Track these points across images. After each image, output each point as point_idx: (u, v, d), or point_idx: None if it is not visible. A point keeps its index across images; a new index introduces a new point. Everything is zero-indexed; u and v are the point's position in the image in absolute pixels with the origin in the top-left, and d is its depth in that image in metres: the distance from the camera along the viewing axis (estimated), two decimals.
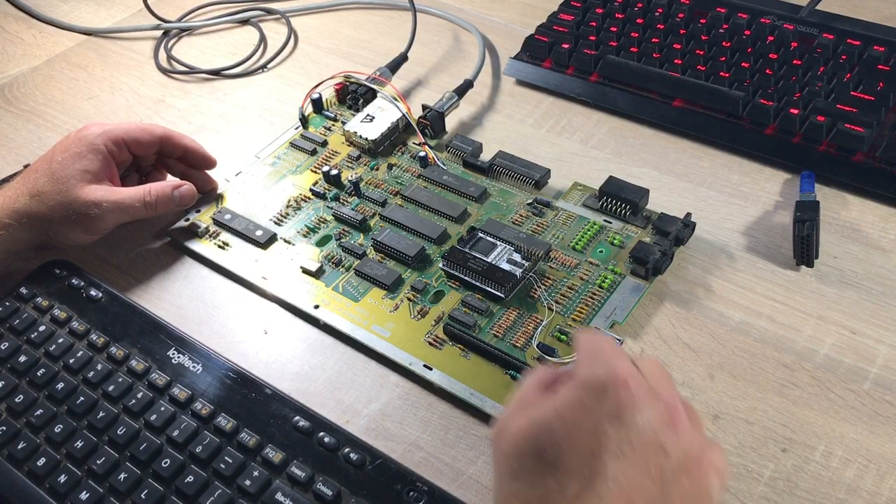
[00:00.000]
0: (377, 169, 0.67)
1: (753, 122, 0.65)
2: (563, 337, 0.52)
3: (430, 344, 0.53)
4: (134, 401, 0.51)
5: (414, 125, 0.68)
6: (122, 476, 0.47)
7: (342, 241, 0.61)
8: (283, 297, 0.58)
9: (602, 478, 0.33)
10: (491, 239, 0.59)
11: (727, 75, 0.68)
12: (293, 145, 0.70)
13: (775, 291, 0.55)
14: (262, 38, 0.84)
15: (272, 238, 0.61)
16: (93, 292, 0.58)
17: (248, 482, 0.46)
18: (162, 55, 0.84)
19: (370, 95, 0.71)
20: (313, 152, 0.69)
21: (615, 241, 0.58)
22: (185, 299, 0.59)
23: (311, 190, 0.65)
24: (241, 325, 0.57)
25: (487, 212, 0.62)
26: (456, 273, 0.57)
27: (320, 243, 0.61)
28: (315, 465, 0.47)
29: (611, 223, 0.59)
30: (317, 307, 0.57)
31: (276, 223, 0.63)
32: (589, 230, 0.59)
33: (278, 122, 0.74)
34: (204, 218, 0.64)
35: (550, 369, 0.41)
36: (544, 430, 0.35)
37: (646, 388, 0.36)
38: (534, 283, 0.56)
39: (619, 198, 0.59)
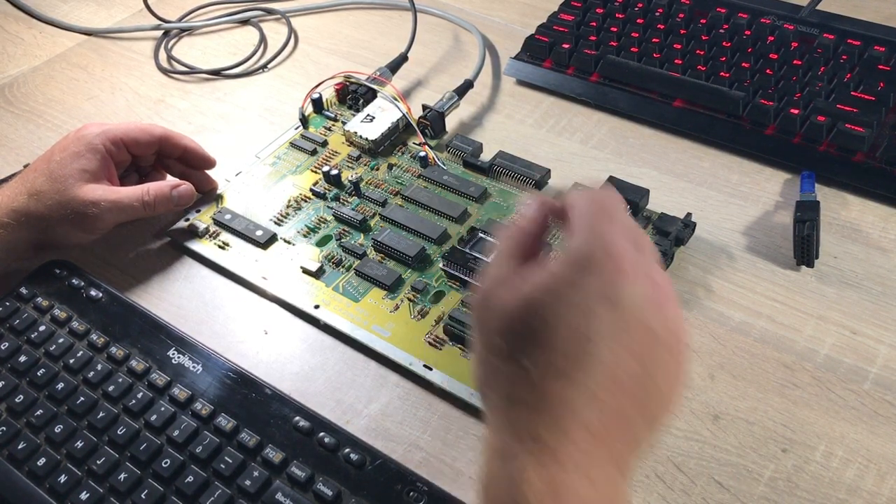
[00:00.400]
0: (377, 169, 0.67)
1: (754, 122, 0.65)
2: None
3: (431, 344, 0.53)
4: (134, 401, 0.51)
5: (414, 125, 0.68)
6: (122, 476, 0.47)
7: (342, 241, 0.61)
8: (283, 297, 0.58)
9: (589, 356, 0.33)
10: (491, 239, 0.59)
11: (727, 75, 0.67)
12: (293, 145, 0.70)
13: (775, 291, 0.55)
14: (262, 38, 0.84)
15: (272, 238, 0.61)
16: (93, 292, 0.58)
17: (248, 482, 0.46)
18: (162, 55, 0.84)
19: (370, 95, 0.71)
20: (313, 152, 0.69)
21: None
22: (185, 299, 0.59)
23: (311, 190, 0.65)
24: (241, 325, 0.57)
25: (488, 212, 0.62)
26: (456, 273, 0.57)
27: (320, 243, 0.61)
28: (315, 465, 0.47)
29: None
30: (317, 307, 0.57)
31: (276, 223, 0.63)
32: None
33: (278, 122, 0.74)
34: (204, 218, 0.64)
35: (523, 233, 0.39)
36: (534, 308, 0.35)
37: (635, 265, 0.35)
38: None
39: None
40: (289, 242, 0.61)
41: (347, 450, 0.47)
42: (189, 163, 0.65)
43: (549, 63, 0.74)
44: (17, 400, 0.52)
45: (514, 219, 0.41)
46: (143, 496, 0.46)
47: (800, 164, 0.62)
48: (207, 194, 0.65)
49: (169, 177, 0.66)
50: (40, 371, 0.53)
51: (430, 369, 0.52)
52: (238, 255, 0.61)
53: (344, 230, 0.62)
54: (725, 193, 0.62)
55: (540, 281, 0.35)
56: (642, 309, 0.34)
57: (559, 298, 0.34)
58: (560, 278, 0.35)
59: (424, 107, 0.69)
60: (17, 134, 0.76)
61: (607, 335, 0.33)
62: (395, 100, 0.69)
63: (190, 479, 0.47)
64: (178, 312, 0.58)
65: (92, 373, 0.52)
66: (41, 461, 0.49)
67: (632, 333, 0.34)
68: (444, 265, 0.57)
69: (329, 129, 0.71)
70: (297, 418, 0.49)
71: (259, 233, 0.61)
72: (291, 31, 0.85)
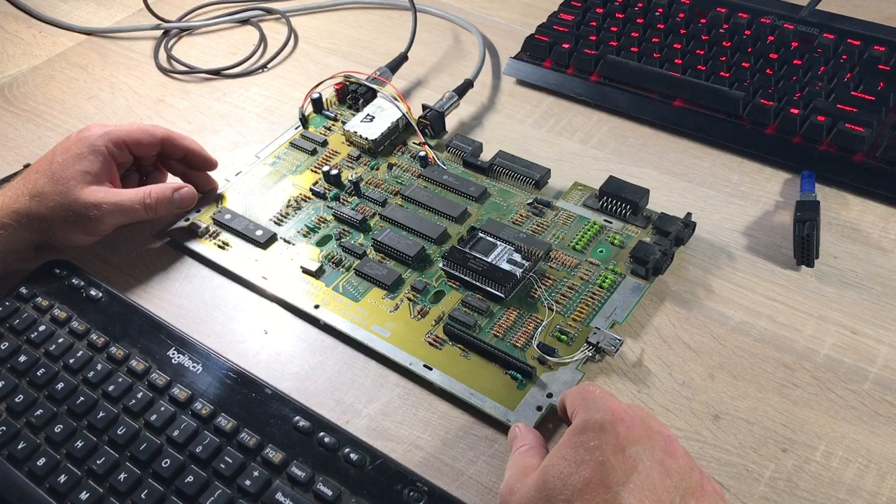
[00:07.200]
0: (377, 169, 0.67)
1: (754, 122, 0.65)
2: (563, 337, 0.52)
3: (430, 344, 0.53)
4: (134, 401, 0.51)
5: (414, 125, 0.68)
6: (122, 476, 0.47)
7: (342, 240, 0.61)
8: (283, 297, 0.58)
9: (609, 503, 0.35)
10: (491, 239, 0.59)
11: (727, 75, 0.67)
12: (293, 145, 0.70)
13: (775, 291, 0.55)
14: (262, 38, 0.84)
15: (272, 238, 0.61)
16: (93, 292, 0.58)
17: (248, 482, 0.46)
18: (162, 55, 0.84)
19: (370, 95, 0.71)
20: (313, 152, 0.69)
21: (615, 241, 0.58)
22: (185, 299, 0.59)
23: (311, 190, 0.65)
24: (241, 325, 0.57)
25: (487, 212, 0.62)
26: (456, 273, 0.57)
27: (320, 243, 0.61)
28: (315, 465, 0.47)
29: (611, 223, 0.59)
30: (317, 307, 0.57)
31: (276, 223, 0.63)
32: (589, 230, 0.59)
33: (278, 122, 0.74)
34: (204, 218, 0.64)
35: (532, 433, 0.45)
36: (553, 474, 0.38)
37: (640, 422, 0.39)
38: (534, 283, 0.56)
39: (620, 198, 0.59)
40: (289, 242, 0.61)
41: (347, 450, 0.47)
42: (190, 164, 0.65)
43: (549, 63, 0.74)
44: (17, 400, 0.52)
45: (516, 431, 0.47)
46: (143, 496, 0.46)
47: (800, 163, 0.62)
48: (208, 194, 0.66)
49: (170, 178, 0.66)
50: (40, 371, 0.53)
51: (430, 369, 0.52)
52: (238, 255, 0.61)
53: (344, 230, 0.62)
54: (725, 193, 0.62)
55: (554, 454, 0.39)
56: (654, 457, 0.37)
57: (574, 460, 0.38)
58: (573, 444, 0.38)
59: (424, 106, 0.69)
60: (16, 134, 0.76)
61: (626, 481, 0.36)
62: (395, 99, 0.69)
63: (190, 479, 0.47)
64: (178, 312, 0.58)
65: (92, 373, 0.52)
66: (41, 461, 0.49)
67: (650, 478, 0.37)
68: (444, 265, 0.57)
69: (329, 129, 0.71)
70: (297, 418, 0.49)
71: (259, 233, 0.61)
72: (291, 30, 0.85)
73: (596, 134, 0.69)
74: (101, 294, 0.57)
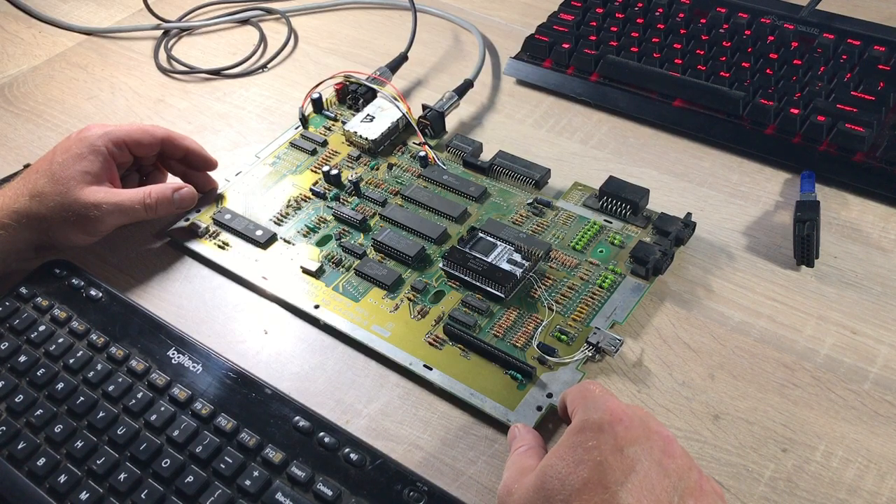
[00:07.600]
0: (377, 169, 0.67)
1: (754, 122, 0.65)
2: (563, 337, 0.52)
3: (430, 344, 0.53)
4: (134, 401, 0.51)
5: (414, 125, 0.68)
6: (122, 476, 0.47)
7: (342, 240, 0.61)
8: (283, 297, 0.58)
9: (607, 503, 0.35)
10: (491, 239, 0.59)
11: (727, 75, 0.67)
12: (293, 145, 0.70)
13: (775, 291, 0.55)
14: (262, 38, 0.84)
15: (272, 238, 0.61)
16: (93, 292, 0.58)
17: (248, 482, 0.46)
18: (162, 55, 0.84)
19: (370, 95, 0.71)
20: (313, 152, 0.69)
21: (615, 241, 0.58)
22: (185, 299, 0.59)
23: (311, 190, 0.65)
24: (241, 325, 0.57)
25: (487, 212, 0.62)
26: (456, 273, 0.57)
27: (320, 243, 0.61)
28: (315, 465, 0.47)
29: (611, 223, 0.59)
30: (317, 307, 0.57)
31: (276, 223, 0.63)
32: (589, 230, 0.59)
33: (278, 122, 0.74)
34: (204, 218, 0.64)
35: (531, 433, 0.45)
36: (551, 474, 0.38)
37: (639, 422, 0.39)
38: (534, 283, 0.56)
39: (620, 198, 0.59)
40: (289, 242, 0.61)
41: (347, 450, 0.47)
42: (190, 164, 0.65)
43: (549, 63, 0.74)
44: (17, 400, 0.52)
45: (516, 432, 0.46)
46: (143, 496, 0.46)
47: (800, 163, 0.62)
48: (208, 194, 0.66)
49: (170, 178, 0.66)
50: (40, 371, 0.53)
51: (430, 369, 0.52)
52: (238, 255, 0.61)
53: (344, 230, 0.62)
54: (725, 193, 0.62)
55: (552, 455, 0.39)
56: (653, 457, 0.37)
57: (573, 460, 0.38)
58: (572, 444, 0.39)
59: (424, 106, 0.69)
60: (16, 134, 0.76)
61: (624, 481, 0.36)
62: (395, 100, 0.69)
63: (190, 479, 0.47)
64: (178, 312, 0.58)
65: (92, 373, 0.52)
66: (41, 461, 0.49)
67: (648, 478, 0.37)
68: (444, 265, 0.57)
69: (329, 129, 0.71)
70: (297, 418, 0.49)
71: (259, 233, 0.61)
72: (291, 30, 0.85)
73: (596, 134, 0.69)
74: (101, 294, 0.57)
